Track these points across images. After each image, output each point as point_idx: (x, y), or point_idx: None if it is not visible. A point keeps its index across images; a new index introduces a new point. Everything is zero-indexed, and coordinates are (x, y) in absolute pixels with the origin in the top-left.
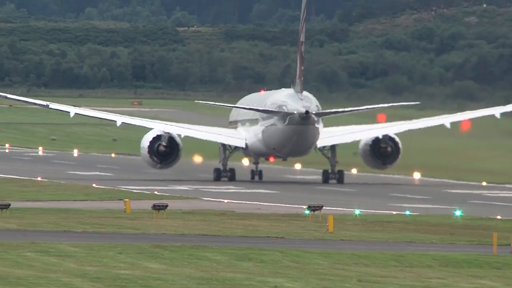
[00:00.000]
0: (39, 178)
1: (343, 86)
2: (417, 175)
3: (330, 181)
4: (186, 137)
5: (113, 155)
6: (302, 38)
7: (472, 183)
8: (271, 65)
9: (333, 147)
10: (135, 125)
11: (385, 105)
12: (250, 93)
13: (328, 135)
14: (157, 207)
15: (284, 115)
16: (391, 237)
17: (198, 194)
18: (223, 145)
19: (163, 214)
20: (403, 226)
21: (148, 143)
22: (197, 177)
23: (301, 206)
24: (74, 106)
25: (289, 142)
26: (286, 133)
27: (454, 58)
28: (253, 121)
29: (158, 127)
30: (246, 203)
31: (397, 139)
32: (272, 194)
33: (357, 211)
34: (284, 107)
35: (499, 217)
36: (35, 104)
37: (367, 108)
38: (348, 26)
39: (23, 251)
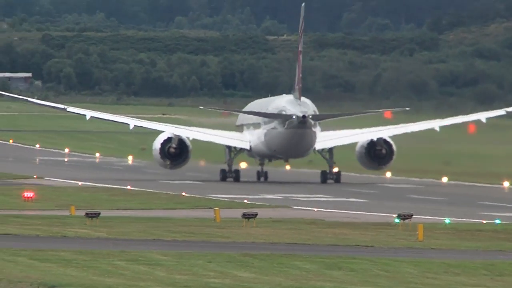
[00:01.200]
0: (128, 187)
1: (433, 95)
2: (506, 184)
3: (328, 181)
4: (195, 140)
5: (202, 163)
6: (300, 48)
7: None
8: (361, 74)
9: (330, 150)
10: (147, 127)
11: (379, 110)
12: (338, 101)
13: (326, 139)
14: (247, 216)
15: (283, 119)
16: (481, 245)
17: (288, 203)
18: (229, 147)
19: (253, 222)
20: (493, 234)
21: (159, 145)
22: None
23: (390, 214)
24: (164, 114)
25: (288, 144)
26: (286, 136)
27: None
28: (256, 125)
29: (168, 130)
30: (335, 211)
31: (391, 142)
32: (361, 203)
33: (447, 220)
34: (283, 111)
35: None
36: (53, 107)
37: (363, 113)
38: (438, 35)
39: (113, 260)
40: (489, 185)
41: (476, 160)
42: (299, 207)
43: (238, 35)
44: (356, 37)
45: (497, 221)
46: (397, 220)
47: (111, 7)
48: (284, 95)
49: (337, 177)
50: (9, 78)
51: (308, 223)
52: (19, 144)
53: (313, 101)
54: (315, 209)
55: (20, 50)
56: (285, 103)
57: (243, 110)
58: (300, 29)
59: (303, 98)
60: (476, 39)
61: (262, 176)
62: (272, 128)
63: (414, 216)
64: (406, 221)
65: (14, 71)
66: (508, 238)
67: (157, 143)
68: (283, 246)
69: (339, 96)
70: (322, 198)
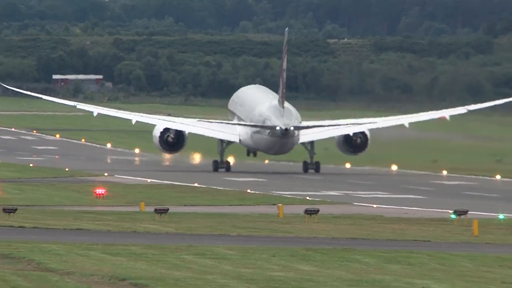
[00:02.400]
0: (196, 184)
1: (488, 96)
2: None
3: (309, 171)
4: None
5: (266, 161)
6: (284, 66)
7: None
8: (418, 76)
9: (311, 142)
10: (148, 123)
11: (365, 119)
12: (397, 103)
13: (309, 132)
14: (309, 212)
15: (267, 129)
16: None
17: (348, 199)
18: (221, 140)
19: (315, 218)
20: None
21: (159, 133)
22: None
23: (447, 210)
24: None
25: (272, 148)
26: (269, 142)
27: None
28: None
29: (168, 124)
30: (394, 207)
31: (367, 132)
32: (419, 199)
33: (501, 216)
34: (268, 121)
35: None
36: (65, 104)
37: (347, 125)
38: (493, 39)
39: (181, 254)
40: None
41: None
42: (359, 204)
43: (300, 38)
44: (414, 40)
45: (501, 216)
46: (453, 216)
47: (179, 12)
48: (268, 92)
49: (316, 167)
50: (82, 80)
51: (367, 219)
52: (91, 144)
53: (372, 102)
54: (374, 206)
55: (92, 53)
56: (269, 112)
57: (234, 98)
58: (283, 50)
59: (286, 104)
60: None
61: (251, 154)
62: (258, 132)
63: (469, 212)
64: (462, 217)
65: (87, 73)
66: None
67: (156, 132)
68: (344, 241)
69: (398, 98)
70: (381, 195)
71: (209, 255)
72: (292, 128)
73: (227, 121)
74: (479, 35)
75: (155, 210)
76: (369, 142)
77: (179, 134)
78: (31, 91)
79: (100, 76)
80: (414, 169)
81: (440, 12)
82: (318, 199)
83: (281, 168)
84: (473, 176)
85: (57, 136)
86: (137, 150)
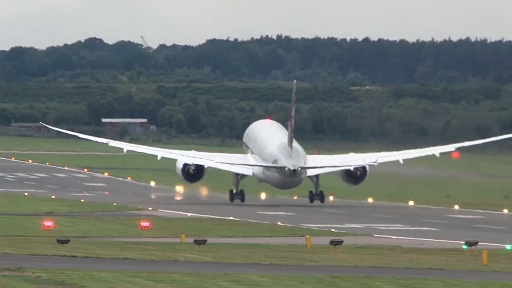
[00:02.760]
0: (231, 218)
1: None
2: None
3: (315, 201)
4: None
5: (295, 197)
6: (292, 114)
7: None
8: (433, 120)
9: (317, 176)
10: (171, 158)
11: (367, 162)
12: (413, 144)
13: (316, 165)
14: (334, 243)
15: (277, 168)
16: None
17: (370, 231)
18: (236, 173)
19: (339, 248)
20: None
21: (181, 166)
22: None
23: (459, 242)
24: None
25: (281, 184)
26: (279, 180)
27: None
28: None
29: (188, 160)
30: (411, 239)
31: (367, 167)
32: (433, 231)
33: (508, 246)
34: (278, 162)
35: None
36: (98, 142)
37: (348, 166)
38: (501, 86)
39: (218, 281)
40: None
41: None
42: (380, 235)
43: (326, 86)
44: (429, 88)
45: (508, 246)
46: (464, 247)
47: (216, 62)
48: (278, 128)
49: (321, 197)
50: (128, 123)
51: (387, 249)
52: (136, 182)
53: (391, 143)
54: (393, 237)
55: (137, 99)
56: (278, 152)
57: (248, 132)
58: (292, 100)
59: (294, 144)
60: None
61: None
62: (269, 170)
63: (479, 243)
64: (472, 247)
65: (132, 117)
66: None
67: (179, 164)
68: (365, 269)
69: (415, 140)
70: (400, 227)
71: (243, 282)
72: (299, 168)
73: (242, 155)
74: (487, 82)
75: (195, 241)
76: (367, 174)
77: (199, 167)
78: (82, 134)
79: (145, 120)
80: (429, 204)
81: (453, 62)
82: (343, 231)
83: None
84: (482, 210)
85: (106, 174)
86: (178, 188)
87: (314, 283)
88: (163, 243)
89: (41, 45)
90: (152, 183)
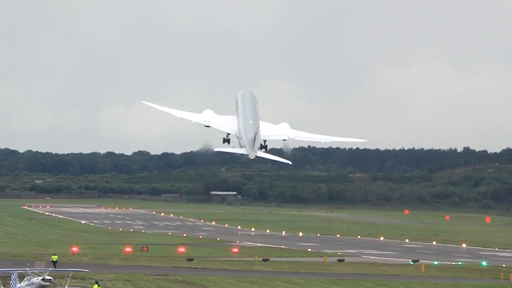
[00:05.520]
0: (283, 246)
1: (428, 203)
2: None
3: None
4: None
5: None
6: None
7: None
8: (393, 193)
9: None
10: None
11: None
12: (382, 209)
13: None
14: (340, 260)
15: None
16: None
17: (359, 254)
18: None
19: (342, 263)
20: None
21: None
22: None
23: (408, 260)
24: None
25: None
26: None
27: None
28: None
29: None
30: (382, 258)
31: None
32: (394, 254)
33: (435, 262)
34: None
35: None
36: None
37: None
38: (431, 174)
39: (275, 281)
40: None
41: None
42: (365, 256)
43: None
44: (391, 175)
45: (435, 262)
46: (411, 262)
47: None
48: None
49: None
50: (226, 194)
51: (368, 264)
52: (236, 227)
53: (371, 205)
54: (372, 257)
55: (231, 181)
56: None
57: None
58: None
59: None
60: None
61: None
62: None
63: (420, 260)
64: (416, 263)
65: (229, 190)
66: None
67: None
68: (357, 275)
69: (383, 204)
70: (375, 252)
71: (290, 282)
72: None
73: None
74: (424, 172)
75: (262, 259)
76: None
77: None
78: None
79: (235, 192)
80: (392, 238)
81: (406, 161)
82: (344, 254)
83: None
84: (421, 242)
85: (213, 222)
86: (253, 229)
87: (328, 282)
88: (245, 260)
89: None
90: (252, 229)
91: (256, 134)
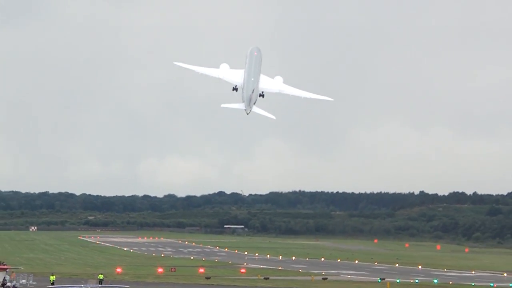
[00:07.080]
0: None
1: (392, 234)
2: None
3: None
4: None
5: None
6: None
7: None
8: (365, 226)
9: None
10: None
11: None
12: (360, 238)
13: None
14: (323, 278)
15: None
16: None
17: (338, 273)
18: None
19: (326, 281)
20: None
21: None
22: None
23: (376, 278)
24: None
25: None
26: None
27: None
28: None
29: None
30: (355, 276)
31: None
32: (365, 274)
33: (397, 280)
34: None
35: None
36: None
37: None
38: (394, 212)
39: None
40: None
41: None
42: (343, 275)
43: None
44: (366, 212)
45: (398, 280)
46: (379, 280)
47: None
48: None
49: None
50: (236, 227)
51: (346, 281)
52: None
53: (351, 234)
54: (348, 276)
55: (240, 217)
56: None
57: (248, 53)
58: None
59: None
60: None
61: None
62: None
63: (386, 279)
64: (382, 280)
65: (239, 224)
66: None
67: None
68: None
69: (363, 235)
70: (351, 272)
71: None
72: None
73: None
74: (389, 210)
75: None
76: None
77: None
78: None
79: (242, 226)
80: (359, 261)
81: (377, 203)
82: (327, 274)
83: None
84: (388, 265)
85: (226, 249)
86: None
87: None
88: (250, 279)
89: None
90: (256, 254)
91: (254, 90)
